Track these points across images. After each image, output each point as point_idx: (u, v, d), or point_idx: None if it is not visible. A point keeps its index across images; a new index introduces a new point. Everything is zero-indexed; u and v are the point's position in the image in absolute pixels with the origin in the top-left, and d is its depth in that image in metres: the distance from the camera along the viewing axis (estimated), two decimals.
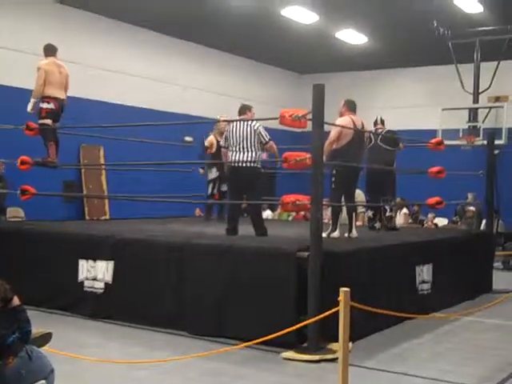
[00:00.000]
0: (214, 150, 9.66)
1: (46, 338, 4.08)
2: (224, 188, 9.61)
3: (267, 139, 7.27)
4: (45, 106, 8.24)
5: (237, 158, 7.21)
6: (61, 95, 8.37)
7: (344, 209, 7.89)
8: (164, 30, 14.42)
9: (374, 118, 9.29)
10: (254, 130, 7.19)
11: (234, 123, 7.35)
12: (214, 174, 9.86)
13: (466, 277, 8.34)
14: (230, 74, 16.45)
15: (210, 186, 9.92)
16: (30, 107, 8.26)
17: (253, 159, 7.16)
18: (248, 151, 7.16)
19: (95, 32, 13.19)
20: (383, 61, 16.67)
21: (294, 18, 13.12)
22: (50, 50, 8.46)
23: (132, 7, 12.71)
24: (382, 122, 9.20)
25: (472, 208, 13.41)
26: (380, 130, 9.01)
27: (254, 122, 7.29)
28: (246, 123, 7.24)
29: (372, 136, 8.73)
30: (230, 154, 7.33)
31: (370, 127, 8.84)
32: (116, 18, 13.46)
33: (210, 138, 9.80)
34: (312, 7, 12.60)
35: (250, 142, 7.16)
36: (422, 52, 15.54)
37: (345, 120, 7.54)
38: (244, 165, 7.20)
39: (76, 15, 12.75)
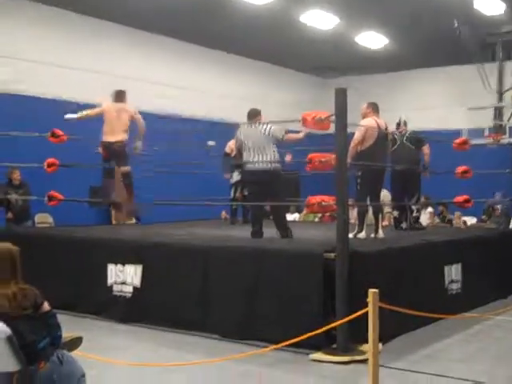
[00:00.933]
0: (233, 154, 9.69)
1: (76, 343, 4.10)
2: (246, 192, 9.63)
3: (282, 136, 7.27)
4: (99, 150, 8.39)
5: (253, 162, 7.25)
6: (111, 138, 8.30)
7: (370, 209, 7.85)
8: (183, 37, 14.47)
9: (397, 119, 9.23)
10: (268, 133, 7.20)
11: (247, 127, 7.37)
12: (235, 177, 9.94)
13: (497, 276, 8.23)
14: (250, 78, 16.45)
15: (233, 189, 10.03)
16: (68, 116, 8.39)
17: (270, 160, 7.19)
18: (264, 154, 7.18)
19: (111, 40, 13.28)
20: (405, 62, 16.56)
21: (315, 21, 13.09)
22: (117, 97, 8.55)
23: (147, 14, 12.78)
24: (405, 123, 9.12)
25: (498, 206, 13.24)
26: (404, 132, 8.94)
27: (265, 125, 7.29)
28: (259, 127, 7.27)
29: (396, 137, 8.69)
30: (245, 157, 7.36)
31: (392, 129, 8.82)
32: (132, 25, 13.53)
33: (230, 143, 9.83)
34: (332, 10, 12.59)
35: (266, 145, 7.20)
36: (443, 52, 15.41)
37: (369, 121, 7.53)
38: (261, 168, 7.22)
39: (90, 23, 12.86)
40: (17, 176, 9.89)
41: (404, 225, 8.87)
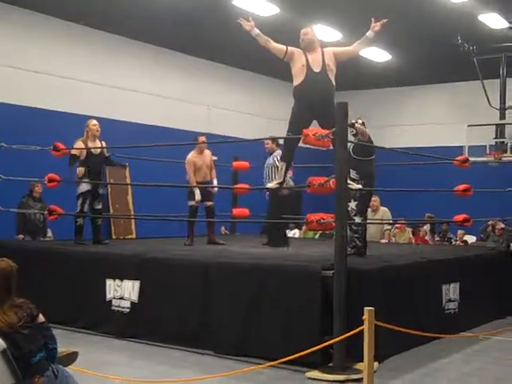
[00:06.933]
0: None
1: (71, 357, 4.10)
2: (98, 206, 8.53)
3: None
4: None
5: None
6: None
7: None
8: (188, 51, 14.56)
9: (359, 121, 7.44)
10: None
11: None
12: (85, 187, 8.35)
13: (495, 295, 8.21)
14: (253, 92, 16.52)
15: (80, 200, 8.31)
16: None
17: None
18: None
19: (119, 53, 13.38)
20: (407, 78, 16.62)
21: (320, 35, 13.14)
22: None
23: (154, 29, 12.90)
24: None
25: (502, 225, 13.16)
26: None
27: None
28: None
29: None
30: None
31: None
32: (140, 39, 13.64)
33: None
34: (335, 25, 12.66)
35: None
36: (446, 68, 15.47)
37: None
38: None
39: (100, 37, 12.97)
40: (38, 189, 9.91)
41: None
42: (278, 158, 8.45)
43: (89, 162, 8.34)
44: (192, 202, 8.84)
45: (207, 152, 9.15)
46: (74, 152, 8.32)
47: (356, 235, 7.16)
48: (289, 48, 7.21)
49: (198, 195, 8.75)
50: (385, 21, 7.20)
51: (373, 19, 7.25)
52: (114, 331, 6.90)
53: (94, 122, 8.55)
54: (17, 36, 11.54)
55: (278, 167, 8.38)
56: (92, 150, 8.35)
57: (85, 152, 8.31)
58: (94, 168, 8.43)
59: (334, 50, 7.39)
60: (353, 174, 7.17)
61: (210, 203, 9.11)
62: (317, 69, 7.11)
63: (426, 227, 13.25)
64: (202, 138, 9.01)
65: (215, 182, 9.19)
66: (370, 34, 7.27)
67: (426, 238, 13.03)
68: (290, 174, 9.26)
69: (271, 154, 8.94)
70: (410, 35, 13.23)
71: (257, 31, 7.23)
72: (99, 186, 8.57)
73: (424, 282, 6.85)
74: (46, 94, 11.86)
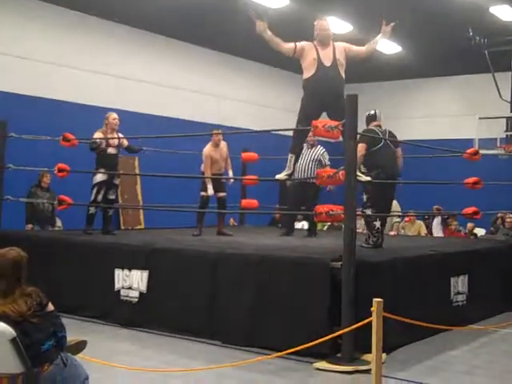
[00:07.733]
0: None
1: (80, 346, 4.12)
2: (112, 196, 8.72)
3: None
4: None
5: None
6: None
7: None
8: (197, 41, 14.53)
9: (371, 112, 7.67)
10: None
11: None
12: (100, 177, 8.51)
13: (504, 288, 8.19)
14: (263, 84, 16.49)
15: (95, 190, 8.53)
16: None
17: None
18: None
19: (126, 42, 13.33)
20: (418, 70, 16.51)
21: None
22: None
23: (163, 20, 12.88)
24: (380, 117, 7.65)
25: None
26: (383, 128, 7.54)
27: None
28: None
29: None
30: None
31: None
32: (149, 29, 13.60)
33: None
34: (345, 17, 12.59)
35: None
36: (457, 61, 15.36)
37: None
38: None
39: (109, 26, 12.92)
40: (47, 180, 9.96)
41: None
42: (321, 153, 9.02)
43: (106, 154, 8.53)
44: (204, 193, 8.92)
45: (223, 144, 9.20)
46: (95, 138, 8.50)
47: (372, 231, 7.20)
48: (297, 45, 7.19)
49: (210, 189, 8.80)
50: (393, 24, 7.27)
51: (384, 22, 7.26)
52: (123, 321, 6.94)
53: (115, 115, 8.70)
54: (14, 23, 11.44)
55: (321, 161, 8.97)
56: (110, 142, 8.54)
57: (104, 144, 8.52)
58: (111, 160, 8.60)
59: (345, 45, 7.40)
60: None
61: (222, 194, 9.14)
62: (328, 63, 7.14)
63: (457, 222, 13.17)
64: (217, 132, 9.11)
65: (230, 173, 9.26)
66: (379, 37, 7.36)
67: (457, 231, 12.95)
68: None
69: (311, 147, 9.08)
70: (420, 27, 13.13)
71: (269, 33, 7.14)
72: (115, 177, 8.68)
73: (432, 275, 6.84)
74: (50, 83, 11.84)
